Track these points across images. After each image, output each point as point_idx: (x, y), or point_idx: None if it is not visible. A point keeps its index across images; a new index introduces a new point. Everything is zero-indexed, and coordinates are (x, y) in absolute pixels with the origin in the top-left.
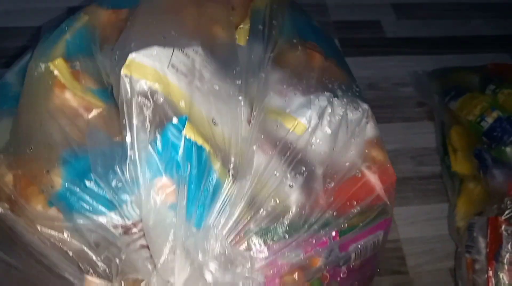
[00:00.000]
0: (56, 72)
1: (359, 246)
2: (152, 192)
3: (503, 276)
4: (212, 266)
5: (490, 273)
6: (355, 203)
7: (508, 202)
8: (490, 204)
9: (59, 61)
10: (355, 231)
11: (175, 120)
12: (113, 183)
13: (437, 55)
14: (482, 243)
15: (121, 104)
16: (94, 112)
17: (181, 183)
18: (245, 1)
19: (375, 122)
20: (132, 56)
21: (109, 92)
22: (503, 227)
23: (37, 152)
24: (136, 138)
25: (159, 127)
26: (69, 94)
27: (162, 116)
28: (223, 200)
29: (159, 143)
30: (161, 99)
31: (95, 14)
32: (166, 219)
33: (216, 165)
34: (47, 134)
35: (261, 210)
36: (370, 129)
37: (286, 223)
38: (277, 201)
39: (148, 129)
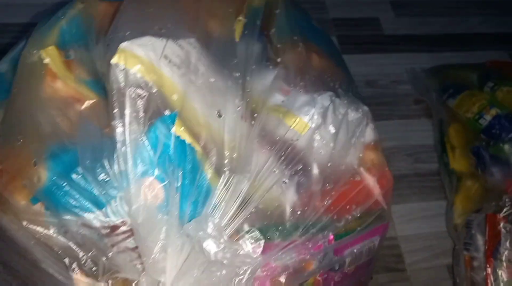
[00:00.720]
0: (47, 60)
1: (355, 250)
2: (143, 187)
3: (502, 274)
4: (211, 244)
5: (489, 270)
6: (354, 207)
7: (507, 200)
8: (488, 201)
9: (52, 49)
10: (351, 235)
11: (167, 113)
12: (101, 177)
13: (435, 52)
14: (480, 240)
15: (112, 93)
16: (86, 104)
17: (173, 179)
18: None
19: (374, 125)
20: (124, 45)
21: (103, 84)
22: (501, 224)
23: (25, 144)
24: (127, 129)
25: (152, 119)
26: (61, 83)
27: (155, 109)
28: (218, 196)
29: (151, 137)
30: (154, 90)
31: (91, 4)
32: (156, 216)
33: (207, 165)
34: (36, 125)
35: (256, 208)
36: (369, 132)
37: (281, 223)
38: (273, 199)
39: (142, 121)
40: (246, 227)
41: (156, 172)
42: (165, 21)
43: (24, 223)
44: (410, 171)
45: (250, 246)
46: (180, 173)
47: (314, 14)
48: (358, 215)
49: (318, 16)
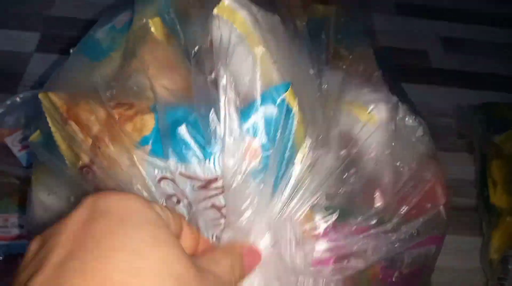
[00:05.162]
0: (153, 29)
1: (413, 252)
2: (245, 148)
3: None
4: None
5: None
6: (421, 211)
7: None
8: None
9: (157, 21)
10: (413, 238)
11: (280, 81)
12: (206, 130)
13: (482, 90)
14: None
15: (217, 46)
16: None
17: (277, 149)
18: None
19: (429, 136)
20: (227, 1)
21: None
22: None
23: (138, 94)
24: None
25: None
26: (162, 51)
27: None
28: (300, 170)
29: (264, 99)
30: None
31: None
32: (251, 181)
33: (298, 129)
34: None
35: (333, 190)
36: (427, 141)
37: (355, 209)
38: (345, 186)
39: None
40: (320, 205)
41: (261, 136)
42: None
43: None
44: None
45: (321, 225)
46: (281, 143)
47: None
48: (425, 219)
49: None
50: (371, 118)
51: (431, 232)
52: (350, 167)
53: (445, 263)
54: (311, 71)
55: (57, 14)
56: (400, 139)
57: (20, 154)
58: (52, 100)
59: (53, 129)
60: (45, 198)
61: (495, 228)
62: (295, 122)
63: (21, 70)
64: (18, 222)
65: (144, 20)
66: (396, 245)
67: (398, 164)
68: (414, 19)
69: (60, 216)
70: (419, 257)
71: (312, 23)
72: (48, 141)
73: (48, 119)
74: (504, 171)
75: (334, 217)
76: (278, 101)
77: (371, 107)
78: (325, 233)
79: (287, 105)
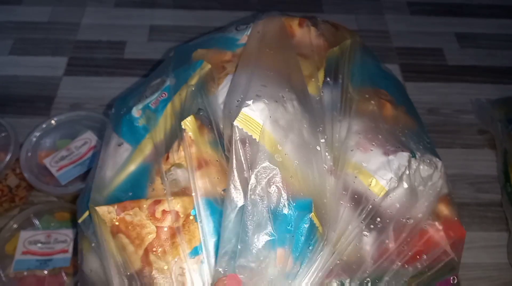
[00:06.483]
0: (187, 129)
1: None
2: (272, 260)
3: None
4: None
5: None
6: (423, 256)
7: None
8: None
9: (190, 119)
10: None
11: (304, 197)
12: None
13: (500, 84)
14: None
15: (237, 157)
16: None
17: (295, 251)
18: (321, 50)
19: (447, 178)
20: (245, 109)
21: (222, 142)
22: None
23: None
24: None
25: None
26: (195, 148)
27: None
28: (317, 254)
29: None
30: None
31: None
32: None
33: (319, 232)
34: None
35: (339, 261)
36: (441, 185)
37: (359, 275)
38: (353, 251)
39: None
40: (331, 280)
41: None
42: (269, 80)
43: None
44: (472, 200)
45: None
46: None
47: (378, 43)
48: (428, 265)
49: (381, 45)
50: (376, 185)
51: (444, 276)
52: None
53: (472, 259)
54: (323, 138)
55: (82, 38)
56: (409, 194)
57: (58, 173)
58: (100, 215)
59: (102, 239)
60: (87, 272)
61: None
62: (317, 234)
63: (52, 94)
64: (59, 238)
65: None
66: None
67: (402, 219)
68: (427, 17)
69: None
70: None
71: (329, 63)
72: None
73: (98, 231)
74: None
75: None
76: (307, 219)
77: (374, 179)
78: None
79: (312, 221)
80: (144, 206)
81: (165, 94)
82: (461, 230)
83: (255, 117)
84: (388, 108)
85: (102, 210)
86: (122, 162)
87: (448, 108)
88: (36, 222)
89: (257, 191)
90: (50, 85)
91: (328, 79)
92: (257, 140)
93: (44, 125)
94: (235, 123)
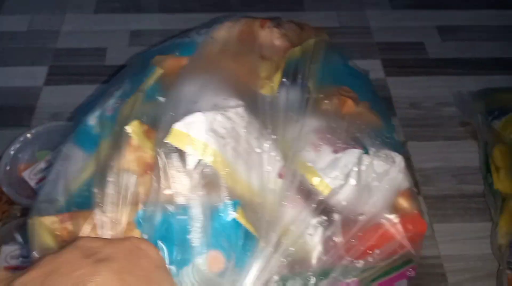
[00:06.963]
0: (131, 133)
1: None
2: (207, 261)
3: None
4: None
5: None
6: (375, 250)
7: None
8: None
9: (135, 124)
10: (378, 279)
11: (227, 196)
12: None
13: (481, 75)
14: None
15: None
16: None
17: (231, 253)
18: (282, 51)
19: (406, 173)
20: (177, 125)
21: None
22: None
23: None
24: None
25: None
26: (140, 153)
27: (217, 193)
28: (254, 255)
29: (219, 218)
30: (215, 173)
31: (164, 63)
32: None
33: (254, 234)
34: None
35: (284, 259)
36: (401, 179)
37: (305, 271)
38: (298, 250)
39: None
40: (275, 278)
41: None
42: (211, 88)
43: None
44: (455, 192)
45: None
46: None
47: (359, 39)
48: (383, 258)
49: (363, 41)
50: (321, 183)
51: (400, 268)
52: None
53: (457, 251)
54: (273, 137)
55: (62, 46)
56: (361, 190)
57: (38, 186)
58: (45, 225)
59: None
60: None
61: (501, 213)
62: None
63: (33, 104)
64: None
65: (120, 127)
66: None
67: (353, 215)
68: (408, 11)
69: None
70: None
71: (289, 63)
72: None
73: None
74: (506, 157)
75: None
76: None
77: (319, 178)
78: None
79: (238, 222)
80: (89, 216)
81: (120, 101)
82: (421, 223)
83: (188, 132)
84: (349, 105)
85: (47, 220)
86: (77, 171)
87: (430, 101)
88: (18, 236)
89: (191, 195)
90: (30, 95)
91: (285, 79)
92: (190, 151)
93: (21, 138)
94: (167, 140)
